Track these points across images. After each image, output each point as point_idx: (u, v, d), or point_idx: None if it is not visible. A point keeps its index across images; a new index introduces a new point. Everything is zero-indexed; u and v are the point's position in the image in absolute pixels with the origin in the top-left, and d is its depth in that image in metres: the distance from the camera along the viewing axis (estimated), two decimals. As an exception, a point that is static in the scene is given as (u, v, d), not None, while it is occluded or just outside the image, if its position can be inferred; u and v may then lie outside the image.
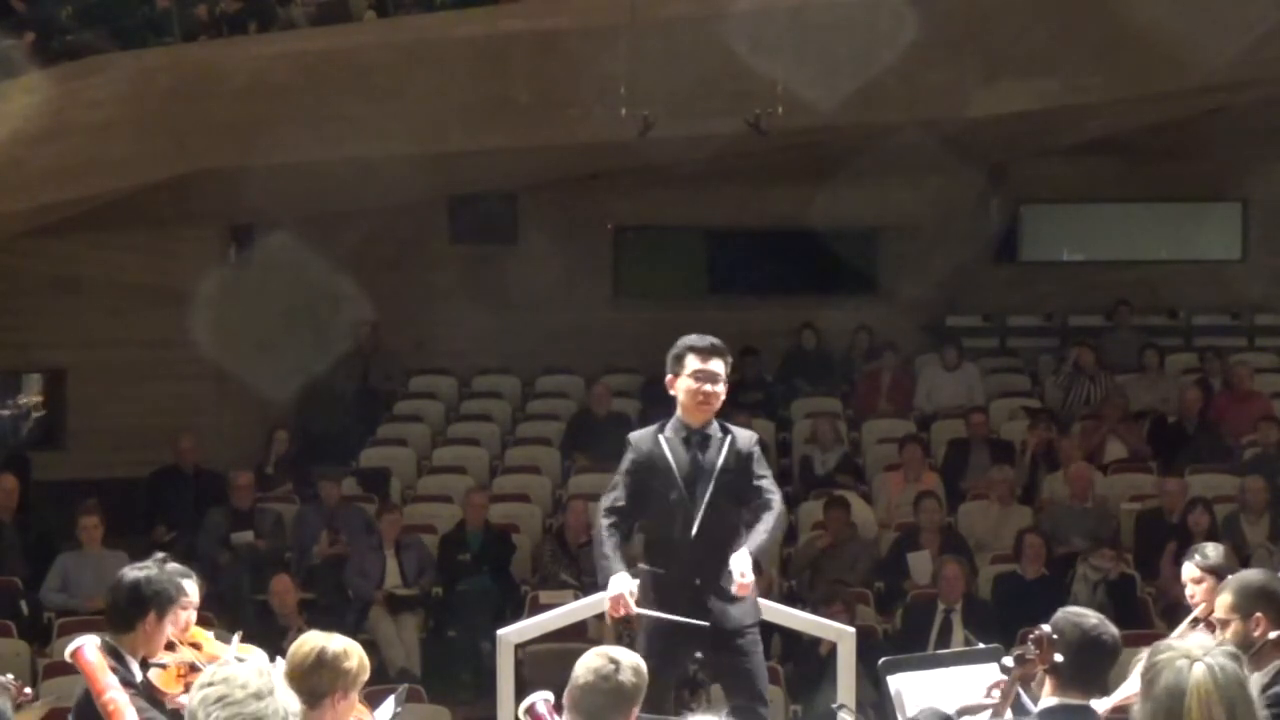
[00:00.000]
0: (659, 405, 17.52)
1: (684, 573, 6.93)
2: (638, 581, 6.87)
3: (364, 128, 14.21)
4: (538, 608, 11.27)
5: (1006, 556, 13.28)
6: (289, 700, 3.64)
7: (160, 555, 6.58)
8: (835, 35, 14.01)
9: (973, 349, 17.40)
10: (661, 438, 7.01)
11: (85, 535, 12.78)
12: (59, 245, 15.28)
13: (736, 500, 7.00)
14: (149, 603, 6.17)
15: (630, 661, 5.22)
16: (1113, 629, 5.32)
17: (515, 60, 14.55)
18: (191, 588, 6.62)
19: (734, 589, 6.79)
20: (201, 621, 7.03)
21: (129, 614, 6.17)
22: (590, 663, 5.20)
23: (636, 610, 6.80)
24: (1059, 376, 16.75)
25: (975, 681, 5.66)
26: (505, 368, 17.74)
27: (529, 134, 14.80)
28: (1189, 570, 6.87)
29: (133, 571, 6.28)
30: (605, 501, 7.05)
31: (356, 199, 15.99)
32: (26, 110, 12.82)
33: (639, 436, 7.08)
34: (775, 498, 7.03)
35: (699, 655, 7.08)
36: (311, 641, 5.44)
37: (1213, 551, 6.92)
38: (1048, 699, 5.20)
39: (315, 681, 5.29)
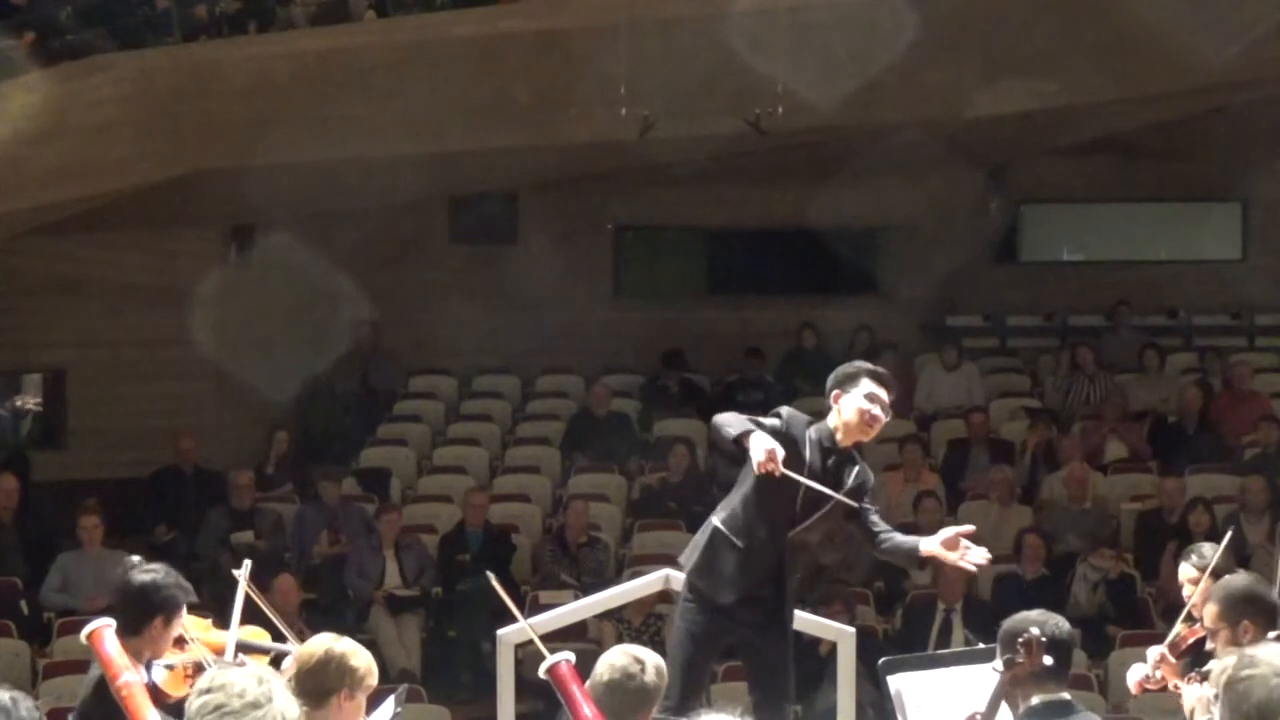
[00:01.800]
0: (659, 405, 17.58)
1: (758, 561, 6.91)
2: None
3: (364, 128, 14.21)
4: (538, 608, 11.26)
5: (1006, 556, 13.28)
6: (287, 706, 3.62)
7: (135, 560, 6.56)
8: (835, 35, 14.01)
9: (973, 349, 17.40)
10: (809, 433, 6.91)
11: (85, 535, 12.78)
12: (59, 245, 15.27)
13: (832, 524, 7.00)
14: (158, 608, 6.17)
15: (654, 662, 5.23)
16: (1062, 620, 5.44)
17: (515, 60, 14.54)
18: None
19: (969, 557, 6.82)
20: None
21: (136, 618, 6.17)
22: (615, 661, 5.20)
23: (784, 471, 6.64)
24: (1059, 377, 16.75)
25: (975, 682, 5.67)
26: (505, 368, 17.73)
27: (529, 134, 14.80)
28: (1185, 571, 6.88)
29: (140, 575, 6.27)
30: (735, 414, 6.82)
31: (356, 199, 15.99)
32: (26, 110, 12.82)
33: (793, 416, 6.94)
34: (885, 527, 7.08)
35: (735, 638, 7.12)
36: (320, 640, 5.47)
37: (1209, 551, 6.92)
38: (1027, 701, 5.25)
39: (321, 679, 5.30)
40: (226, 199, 15.23)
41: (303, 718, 3.69)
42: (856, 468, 7.01)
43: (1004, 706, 5.41)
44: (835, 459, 6.94)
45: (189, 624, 6.52)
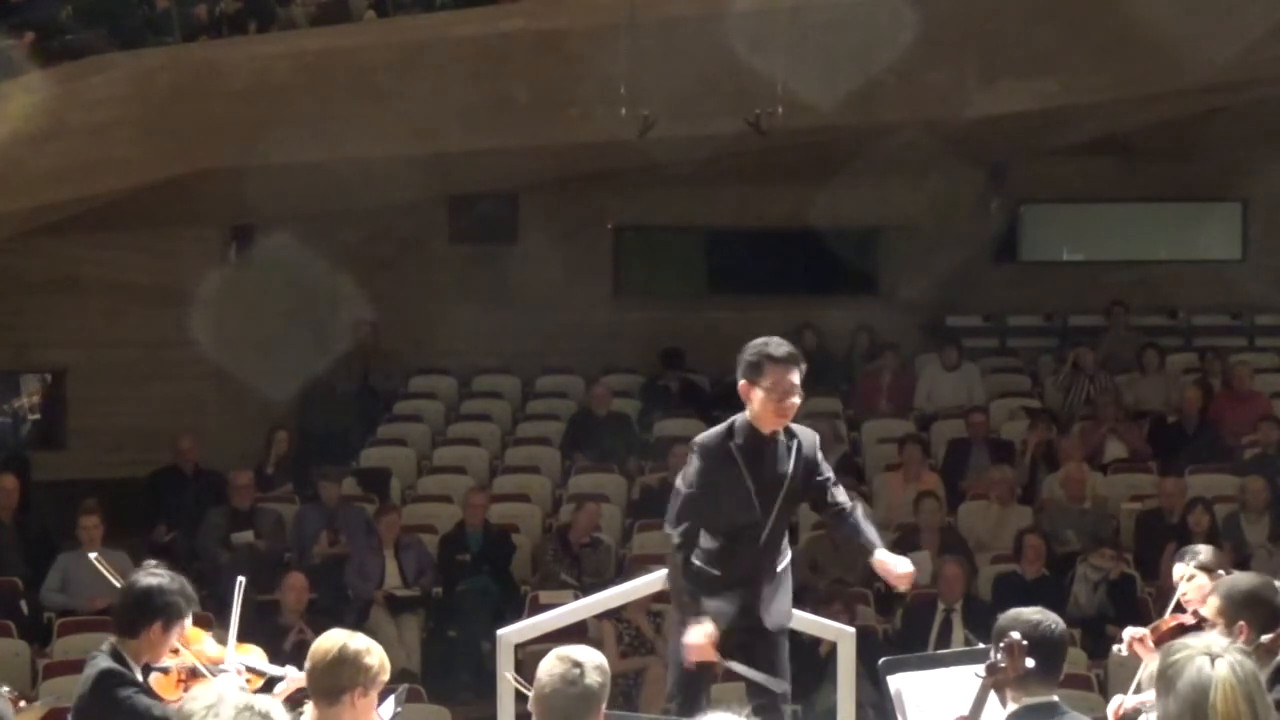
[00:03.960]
0: (659, 405, 17.57)
1: (741, 576, 6.88)
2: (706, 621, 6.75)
3: (364, 128, 14.21)
4: (538, 608, 11.27)
5: (1006, 556, 13.29)
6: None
7: (153, 564, 6.59)
8: (835, 35, 14.01)
9: (973, 349, 17.39)
10: (732, 445, 6.83)
11: (85, 535, 12.76)
12: (59, 245, 15.27)
13: (797, 503, 7.02)
14: (158, 613, 6.17)
15: (593, 662, 5.12)
16: (1056, 619, 5.37)
17: (515, 60, 14.55)
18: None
19: (898, 578, 6.87)
20: (201, 622, 7.02)
21: (136, 621, 6.17)
22: (553, 668, 5.09)
23: (718, 660, 6.74)
24: (1059, 376, 16.75)
25: (975, 682, 5.65)
26: (505, 368, 17.73)
27: (529, 134, 14.80)
28: (1180, 569, 6.91)
29: (146, 578, 6.27)
30: (678, 525, 6.86)
31: (356, 199, 15.99)
32: (26, 110, 12.82)
33: (708, 443, 6.86)
34: (847, 497, 7.09)
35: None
36: (334, 638, 5.46)
37: (1203, 551, 6.97)
38: (1012, 704, 5.22)
39: (336, 677, 5.32)
40: (226, 199, 15.23)
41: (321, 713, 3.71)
42: (794, 442, 6.91)
43: (997, 705, 5.39)
44: (769, 448, 6.86)
45: (189, 634, 6.53)
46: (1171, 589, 7.03)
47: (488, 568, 13.46)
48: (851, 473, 15.10)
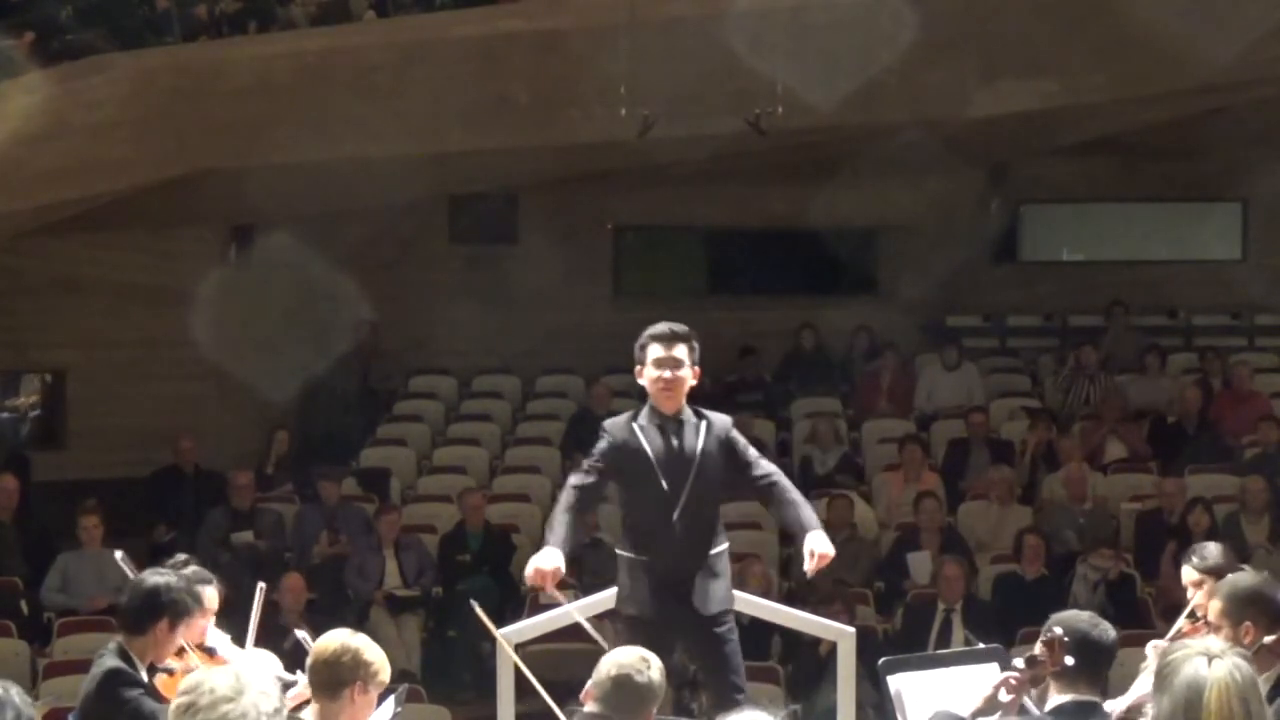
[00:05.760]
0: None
1: (666, 559, 6.97)
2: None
3: (364, 128, 14.21)
4: (538, 608, 11.26)
5: (1006, 556, 13.29)
6: (262, 699, 3.65)
7: (183, 557, 6.62)
8: (835, 35, 14.02)
9: (973, 349, 17.40)
10: (635, 425, 7.00)
11: (85, 535, 12.78)
12: (59, 245, 15.27)
13: (717, 486, 7.03)
14: (164, 610, 6.18)
15: (659, 663, 5.37)
16: (1109, 626, 5.44)
17: (515, 60, 14.55)
18: (211, 594, 6.65)
19: (810, 566, 6.77)
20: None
21: (142, 619, 6.18)
22: (623, 658, 5.32)
23: (552, 593, 6.94)
24: (1059, 377, 16.76)
25: (975, 681, 5.66)
26: (505, 368, 17.74)
27: (529, 134, 14.80)
28: (1188, 573, 6.81)
29: (152, 576, 6.28)
30: (574, 479, 7.12)
31: (356, 199, 15.99)
32: (26, 110, 12.81)
33: (613, 424, 7.07)
34: (777, 471, 7.14)
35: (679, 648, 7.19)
36: (336, 635, 5.59)
37: (1211, 552, 6.86)
38: (1056, 697, 5.26)
39: (336, 671, 5.41)
40: (226, 199, 15.23)
41: (284, 708, 3.71)
42: (704, 423, 7.03)
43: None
44: (674, 430, 6.99)
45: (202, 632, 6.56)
46: (1170, 589, 7.00)
47: (488, 568, 13.45)
48: (851, 473, 15.13)
